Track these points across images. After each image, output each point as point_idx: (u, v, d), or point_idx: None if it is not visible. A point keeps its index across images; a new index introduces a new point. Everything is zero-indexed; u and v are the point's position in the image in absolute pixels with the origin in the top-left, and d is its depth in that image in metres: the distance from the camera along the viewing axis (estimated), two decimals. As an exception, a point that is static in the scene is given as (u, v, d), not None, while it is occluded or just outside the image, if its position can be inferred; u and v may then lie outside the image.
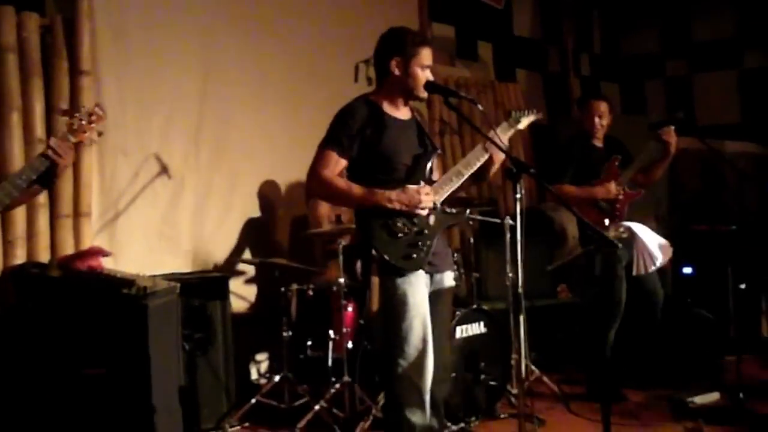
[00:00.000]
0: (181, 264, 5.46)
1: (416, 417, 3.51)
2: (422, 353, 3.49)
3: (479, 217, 5.47)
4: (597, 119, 5.62)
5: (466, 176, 3.70)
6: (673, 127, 5.46)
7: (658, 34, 9.68)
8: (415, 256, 3.50)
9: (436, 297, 3.66)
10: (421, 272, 3.55)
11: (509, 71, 8.51)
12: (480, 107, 3.59)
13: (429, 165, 3.66)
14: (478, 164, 3.71)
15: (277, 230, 6.16)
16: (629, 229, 4.05)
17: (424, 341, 3.50)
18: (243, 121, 5.86)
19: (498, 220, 5.46)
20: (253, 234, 5.97)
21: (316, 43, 6.34)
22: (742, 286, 6.15)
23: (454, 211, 3.78)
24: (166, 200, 5.44)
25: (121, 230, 5.17)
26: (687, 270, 6.68)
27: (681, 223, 7.61)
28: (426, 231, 3.55)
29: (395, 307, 3.49)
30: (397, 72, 3.60)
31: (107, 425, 3.72)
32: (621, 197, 5.45)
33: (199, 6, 5.61)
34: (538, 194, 8.28)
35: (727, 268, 6.65)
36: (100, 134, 3.36)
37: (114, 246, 4.94)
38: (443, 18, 7.56)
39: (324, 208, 5.63)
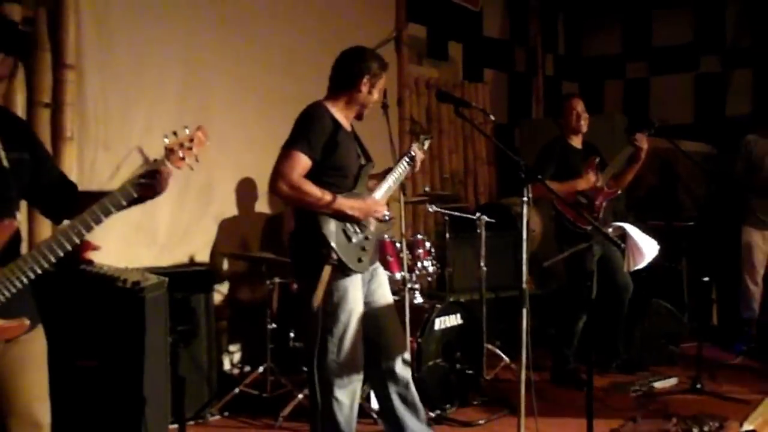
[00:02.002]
0: (157, 257, 5.36)
1: (346, 398, 3.69)
2: (356, 344, 3.69)
3: (456, 213, 5.49)
4: (576, 112, 5.70)
5: (395, 187, 3.97)
6: (646, 134, 5.56)
7: (620, 37, 9.78)
8: (363, 259, 3.71)
9: (376, 282, 3.89)
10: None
11: (477, 71, 8.51)
12: (492, 117, 3.91)
13: (368, 174, 3.88)
14: (404, 175, 4.01)
15: (253, 225, 6.07)
16: (621, 227, 4.07)
17: (358, 332, 3.70)
18: (222, 117, 5.76)
19: (473, 216, 5.52)
20: (229, 229, 5.88)
21: (294, 42, 6.27)
22: (706, 279, 6.22)
23: (387, 219, 3.96)
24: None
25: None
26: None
27: (637, 218, 7.67)
28: (369, 237, 3.76)
29: (338, 302, 3.65)
30: (364, 90, 3.74)
31: (100, 415, 3.70)
32: (601, 189, 5.57)
33: (183, 4, 5.51)
34: (498, 190, 8.31)
35: (682, 261, 6.76)
36: (197, 160, 2.89)
37: (90, 239, 4.78)
38: (416, 18, 7.52)
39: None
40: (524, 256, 3.44)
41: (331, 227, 3.57)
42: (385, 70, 3.81)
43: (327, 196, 3.55)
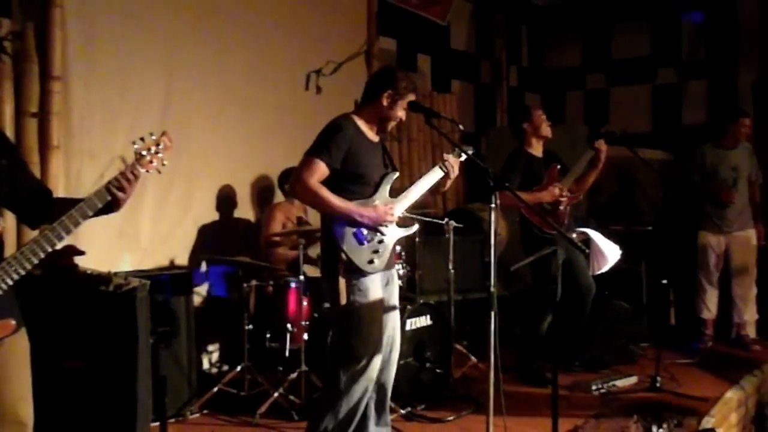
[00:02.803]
0: (139, 261, 5.42)
1: (358, 401, 3.76)
2: (377, 342, 3.78)
3: (427, 219, 5.58)
4: (543, 118, 5.80)
5: (420, 194, 3.99)
6: (604, 140, 5.66)
7: (581, 50, 9.93)
8: (376, 261, 3.77)
9: (389, 289, 3.95)
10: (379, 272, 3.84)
11: (445, 82, 8.63)
12: (461, 127, 4.06)
13: (391, 183, 3.91)
14: (432, 183, 4.00)
15: (230, 230, 6.16)
16: (584, 233, 4.20)
17: (381, 333, 3.81)
18: (202, 126, 5.86)
19: (442, 222, 5.61)
20: (208, 233, 5.97)
21: (270, 55, 6.37)
22: (664, 282, 6.35)
23: (407, 224, 4.04)
24: (128, 201, 5.35)
25: (84, 229, 5.02)
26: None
27: (599, 223, 7.79)
28: (385, 240, 3.82)
29: (360, 301, 3.74)
30: (385, 103, 3.82)
31: (90, 415, 3.78)
32: (564, 200, 5.64)
33: (164, 18, 5.59)
34: (465, 196, 8.41)
35: (642, 264, 6.89)
36: (164, 164, 3.03)
37: (76, 244, 4.81)
38: (387, 32, 7.64)
39: (279, 214, 5.72)
40: (492, 261, 3.52)
41: (343, 230, 3.69)
42: (413, 91, 3.87)
43: (338, 202, 3.68)
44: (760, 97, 8.41)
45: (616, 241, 4.29)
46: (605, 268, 4.32)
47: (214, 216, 6.02)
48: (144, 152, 2.98)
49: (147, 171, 2.98)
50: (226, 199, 6.08)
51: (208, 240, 5.94)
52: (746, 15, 8.58)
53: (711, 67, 8.95)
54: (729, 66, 8.76)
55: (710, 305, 6.81)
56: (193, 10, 5.79)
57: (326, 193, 3.68)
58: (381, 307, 3.82)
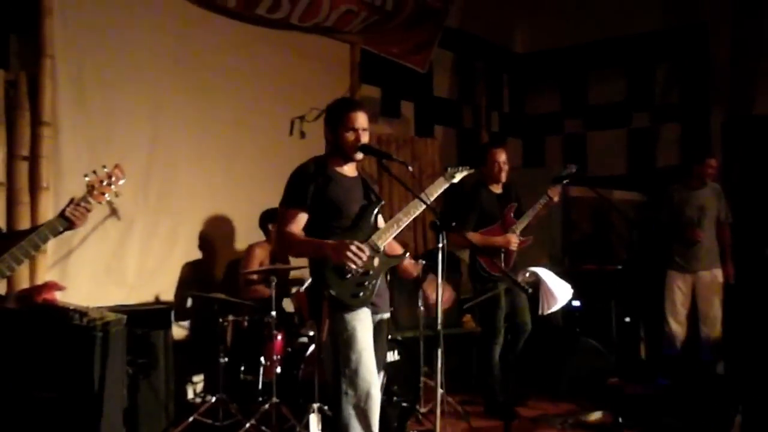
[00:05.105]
0: (126, 296, 5.50)
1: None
2: (370, 384, 3.59)
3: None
4: (497, 164, 5.78)
5: (406, 223, 3.83)
6: (559, 187, 5.71)
7: (559, 96, 9.99)
8: (361, 294, 3.64)
9: (376, 333, 3.77)
10: (366, 310, 3.69)
11: (428, 127, 8.69)
12: (410, 168, 3.83)
13: (374, 213, 3.82)
14: (417, 213, 3.86)
15: (213, 267, 6.24)
16: (535, 273, 4.27)
17: (372, 372, 3.61)
18: (187, 168, 5.96)
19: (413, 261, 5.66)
20: (192, 270, 6.05)
21: (255, 101, 6.45)
22: (627, 320, 6.36)
23: (396, 254, 3.97)
24: (116, 238, 5.48)
25: (73, 265, 5.18)
26: (575, 303, 6.73)
27: (572, 262, 7.87)
28: (371, 272, 3.68)
29: (346, 341, 3.59)
30: (330, 138, 3.81)
31: None
32: (514, 244, 5.66)
33: (150, 66, 5.71)
34: (434, 238, 8.41)
35: (612, 302, 6.94)
36: (117, 195, 3.07)
37: (64, 279, 4.93)
38: (371, 80, 7.72)
39: (258, 253, 5.82)
40: (439, 301, 3.58)
41: (325, 265, 3.56)
42: (347, 111, 3.76)
43: (314, 244, 3.59)
44: (728, 136, 8.41)
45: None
46: (555, 308, 4.37)
47: (198, 254, 6.10)
48: (95, 185, 3.04)
49: (99, 203, 3.03)
50: (208, 238, 6.16)
51: (192, 276, 6.01)
52: (718, 59, 8.61)
53: (683, 111, 9.01)
54: (700, 110, 8.81)
55: (676, 342, 6.82)
56: (179, 58, 5.90)
57: (300, 238, 3.64)
58: (370, 349, 3.63)
